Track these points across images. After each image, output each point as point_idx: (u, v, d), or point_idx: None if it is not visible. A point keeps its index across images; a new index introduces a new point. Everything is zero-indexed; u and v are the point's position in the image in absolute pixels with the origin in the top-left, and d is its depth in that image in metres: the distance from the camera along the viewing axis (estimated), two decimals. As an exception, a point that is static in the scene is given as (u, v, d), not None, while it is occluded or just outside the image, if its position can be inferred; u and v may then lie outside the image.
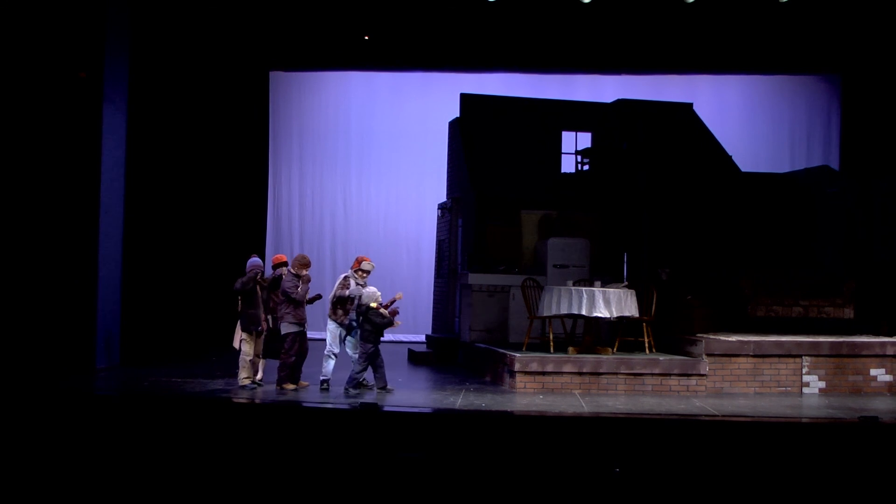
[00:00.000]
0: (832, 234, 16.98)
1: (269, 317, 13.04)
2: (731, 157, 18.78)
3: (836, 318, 14.85)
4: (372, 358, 12.63)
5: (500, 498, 8.24)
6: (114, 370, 14.52)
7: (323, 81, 22.01)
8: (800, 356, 13.58)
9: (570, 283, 14.48)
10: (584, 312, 13.62)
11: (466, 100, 18.95)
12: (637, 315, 14.00)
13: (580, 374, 13.13)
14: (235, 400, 12.07)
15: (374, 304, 12.55)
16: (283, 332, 12.88)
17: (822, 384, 13.56)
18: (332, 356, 12.99)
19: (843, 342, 13.72)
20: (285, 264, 13.10)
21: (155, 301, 16.45)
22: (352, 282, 12.88)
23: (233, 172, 19.73)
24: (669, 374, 13.27)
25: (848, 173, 20.01)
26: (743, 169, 18.74)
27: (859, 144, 20.84)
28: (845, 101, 21.61)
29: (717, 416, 11.49)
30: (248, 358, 12.81)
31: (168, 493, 8.09)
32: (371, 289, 12.77)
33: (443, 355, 16.88)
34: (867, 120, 20.44)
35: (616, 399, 12.64)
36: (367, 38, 19.77)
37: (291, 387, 12.80)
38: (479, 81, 20.62)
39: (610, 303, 13.59)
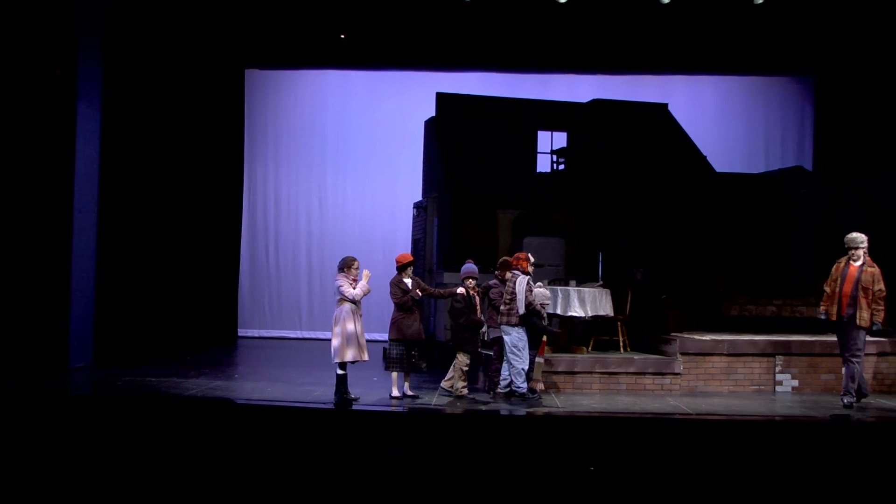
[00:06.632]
0: (806, 233, 17.10)
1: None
2: (705, 157, 18.90)
3: (810, 317, 14.94)
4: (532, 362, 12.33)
5: (474, 497, 8.25)
6: (87, 369, 14.43)
7: (299, 80, 21.95)
8: (773, 355, 13.66)
9: (546, 282, 14.51)
10: (559, 311, 13.68)
11: (442, 99, 18.96)
12: (612, 314, 14.05)
13: (555, 372, 13.15)
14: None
15: (543, 306, 12.27)
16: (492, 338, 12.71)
17: (796, 382, 13.66)
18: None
19: (816, 341, 13.81)
20: (412, 264, 12.52)
21: (129, 300, 16.34)
22: (530, 282, 12.23)
23: (208, 170, 19.64)
24: (644, 373, 13.33)
25: (821, 174, 20.18)
26: (717, 169, 18.85)
27: (832, 145, 21.01)
28: (818, 102, 21.79)
29: (692, 414, 11.54)
30: (465, 368, 12.49)
31: (142, 493, 8.05)
32: (543, 289, 12.55)
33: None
34: (840, 121, 20.61)
35: (591, 398, 12.67)
36: (343, 36, 19.74)
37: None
38: (456, 80, 20.62)
39: (585, 302, 13.64)
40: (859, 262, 12.17)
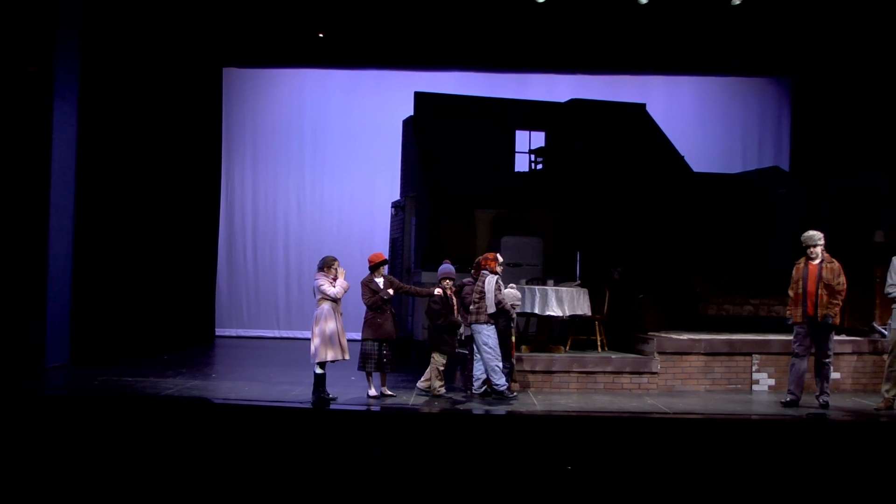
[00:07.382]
0: (783, 233, 17.17)
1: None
2: (683, 157, 18.95)
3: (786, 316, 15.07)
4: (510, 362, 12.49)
5: (451, 496, 8.25)
6: (64, 369, 14.34)
7: (277, 78, 21.88)
8: (750, 354, 13.73)
9: (523, 281, 14.53)
10: (536, 311, 13.68)
11: (420, 98, 18.94)
12: (589, 314, 14.07)
13: (533, 372, 13.17)
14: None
15: (513, 306, 12.36)
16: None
17: (772, 381, 13.72)
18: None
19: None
20: (384, 263, 12.52)
21: (106, 299, 16.26)
22: (499, 282, 12.30)
23: (186, 169, 19.56)
24: (622, 373, 13.36)
25: (797, 174, 20.29)
26: (695, 169, 18.91)
27: (809, 146, 21.13)
28: (795, 103, 21.91)
29: (669, 413, 11.58)
30: (441, 368, 12.48)
31: (119, 493, 8.01)
32: (514, 290, 12.58)
33: (396, 354, 16.82)
34: (816, 122, 20.73)
35: (568, 397, 12.70)
36: (321, 35, 19.69)
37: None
38: (434, 80, 20.60)
39: (562, 301, 13.66)
40: (818, 260, 12.15)
